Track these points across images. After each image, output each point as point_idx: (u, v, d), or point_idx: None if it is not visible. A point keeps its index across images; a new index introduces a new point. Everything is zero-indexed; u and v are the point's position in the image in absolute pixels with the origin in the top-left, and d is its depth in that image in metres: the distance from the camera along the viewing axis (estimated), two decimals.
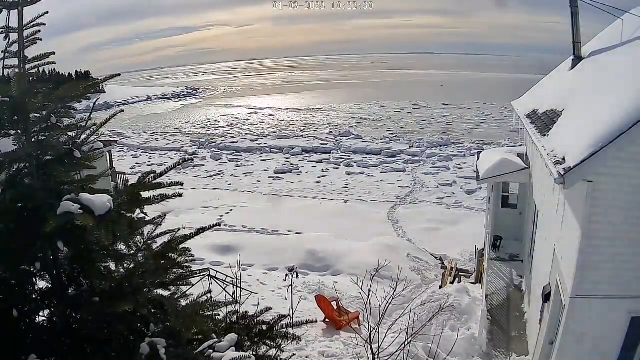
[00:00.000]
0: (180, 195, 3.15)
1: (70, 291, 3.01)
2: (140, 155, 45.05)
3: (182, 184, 3.16)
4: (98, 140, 3.24)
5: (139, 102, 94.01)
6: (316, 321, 11.12)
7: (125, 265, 3.08)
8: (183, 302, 3.30)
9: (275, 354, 3.64)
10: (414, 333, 6.90)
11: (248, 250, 17.49)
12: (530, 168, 12.12)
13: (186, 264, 3.34)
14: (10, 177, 2.89)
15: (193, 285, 3.46)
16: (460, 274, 15.66)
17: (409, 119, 62.61)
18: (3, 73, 2.99)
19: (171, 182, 3.11)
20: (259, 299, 7.30)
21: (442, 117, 62.92)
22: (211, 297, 3.65)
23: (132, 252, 3.16)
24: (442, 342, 8.05)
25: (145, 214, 3.15)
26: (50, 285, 2.98)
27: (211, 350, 3.00)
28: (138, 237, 3.19)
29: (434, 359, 8.64)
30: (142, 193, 3.09)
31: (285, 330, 3.57)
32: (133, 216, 3.05)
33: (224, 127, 59.62)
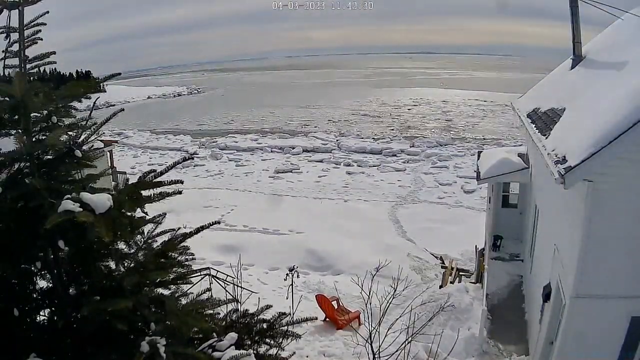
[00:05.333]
0: (180, 192, 3.14)
1: (70, 290, 3.02)
2: (141, 154, 45.03)
3: (182, 182, 3.16)
4: (99, 140, 3.24)
5: (139, 101, 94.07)
6: (316, 318, 11.13)
7: (125, 264, 3.09)
8: (183, 301, 3.30)
9: (276, 353, 3.65)
10: (414, 333, 6.90)
11: (249, 250, 17.50)
12: (531, 167, 12.13)
13: (186, 263, 3.34)
14: (10, 177, 2.89)
15: (193, 284, 3.46)
16: (460, 273, 15.68)
17: (409, 115, 62.98)
18: (4, 73, 3.00)
19: (171, 180, 3.11)
20: (259, 298, 7.30)
21: (441, 113, 63.30)
22: (211, 295, 3.65)
23: (132, 250, 3.16)
24: (442, 342, 8.05)
25: (146, 212, 3.15)
26: (50, 285, 2.98)
27: (211, 349, 3.01)
28: (138, 235, 3.20)
29: (434, 358, 8.65)
30: (142, 191, 3.09)
31: (285, 328, 3.58)
32: (133, 215, 3.05)
33: (224, 124, 59.69)
